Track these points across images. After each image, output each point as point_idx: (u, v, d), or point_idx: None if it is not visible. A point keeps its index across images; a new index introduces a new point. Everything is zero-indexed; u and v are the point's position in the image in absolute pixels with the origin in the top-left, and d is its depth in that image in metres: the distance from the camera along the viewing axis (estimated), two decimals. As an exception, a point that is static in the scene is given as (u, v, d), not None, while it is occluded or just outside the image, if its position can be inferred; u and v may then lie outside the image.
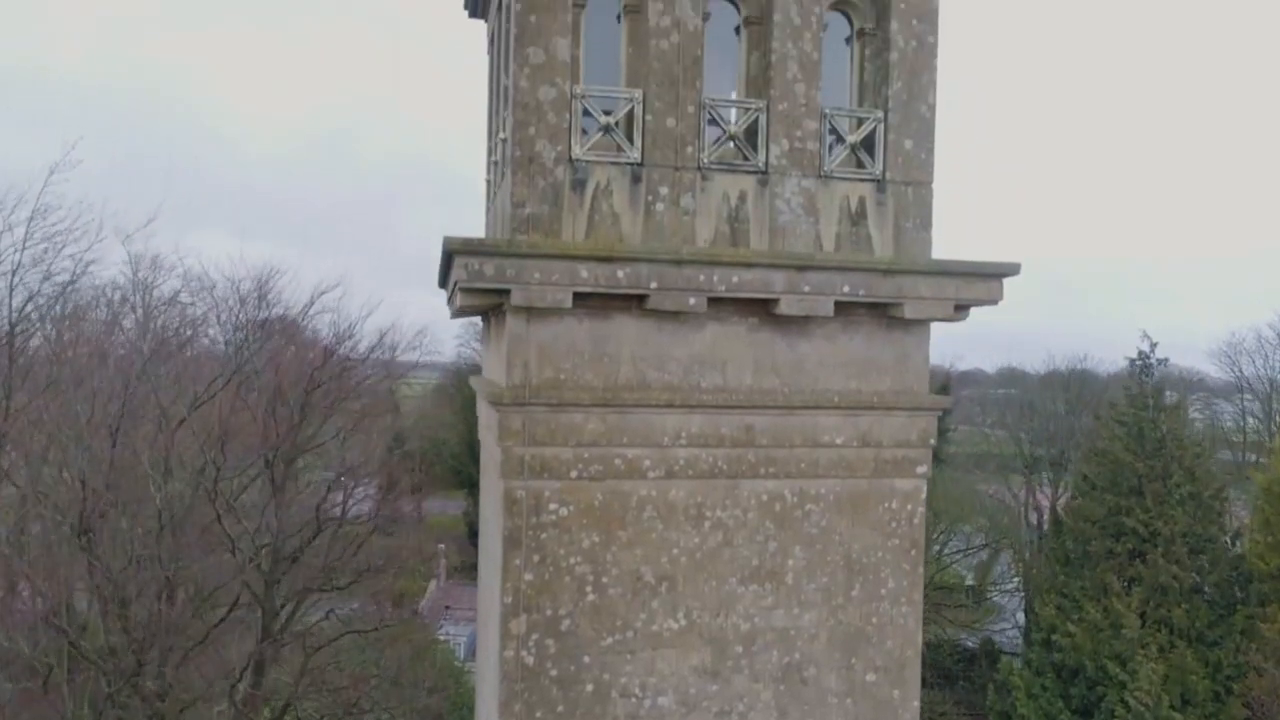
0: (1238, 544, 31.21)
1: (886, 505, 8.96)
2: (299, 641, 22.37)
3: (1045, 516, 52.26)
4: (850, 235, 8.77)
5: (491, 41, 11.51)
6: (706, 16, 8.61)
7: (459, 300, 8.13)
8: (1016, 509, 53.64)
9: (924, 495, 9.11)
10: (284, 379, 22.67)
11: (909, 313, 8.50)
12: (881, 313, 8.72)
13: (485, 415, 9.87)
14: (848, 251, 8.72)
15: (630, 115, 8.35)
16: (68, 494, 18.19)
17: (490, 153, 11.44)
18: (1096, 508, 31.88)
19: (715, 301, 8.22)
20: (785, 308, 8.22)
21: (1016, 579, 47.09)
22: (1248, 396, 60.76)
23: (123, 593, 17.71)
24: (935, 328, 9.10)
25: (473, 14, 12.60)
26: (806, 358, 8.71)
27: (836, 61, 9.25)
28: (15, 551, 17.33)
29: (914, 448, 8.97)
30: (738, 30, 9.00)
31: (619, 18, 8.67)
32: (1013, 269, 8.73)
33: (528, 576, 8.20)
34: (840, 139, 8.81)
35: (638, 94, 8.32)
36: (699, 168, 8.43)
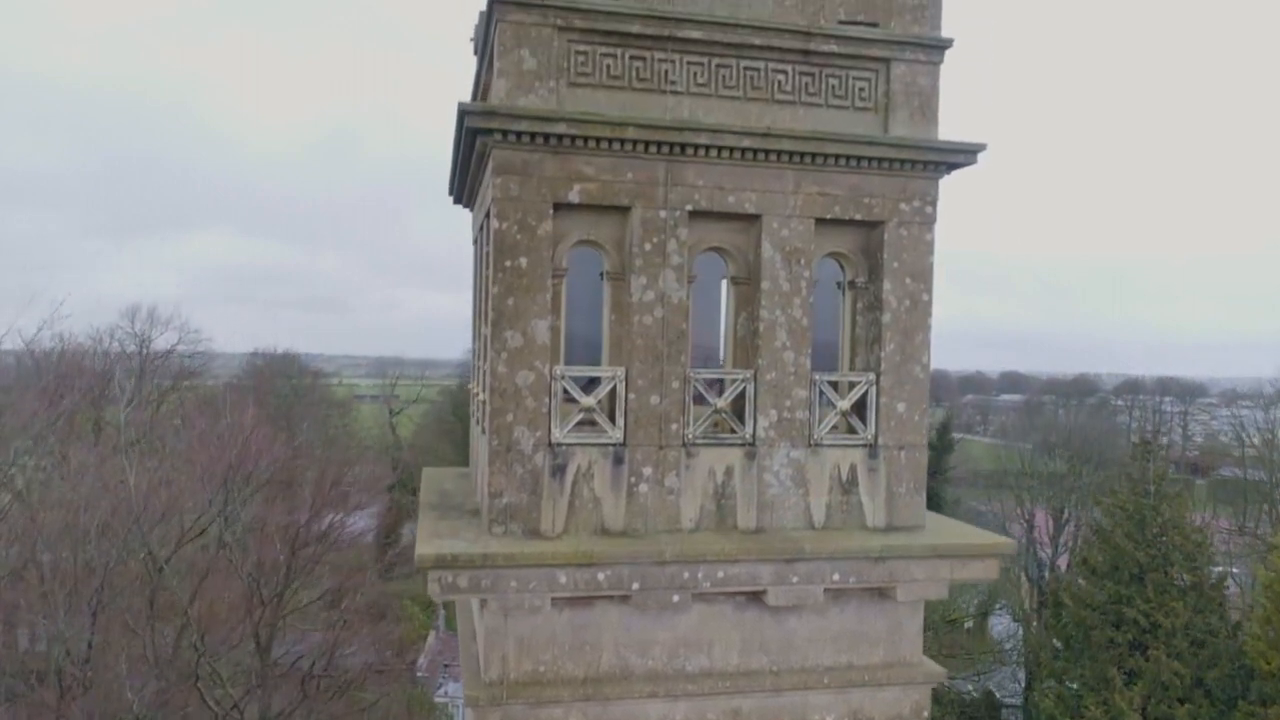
0: (1239, 634, 30.79)
1: (879, 781, 8.63)
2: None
3: (1047, 564, 51.81)
4: (841, 505, 8.47)
5: (475, 241, 11.24)
6: (693, 279, 8.34)
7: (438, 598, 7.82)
8: (1016, 569, 53.09)
9: (918, 766, 8.78)
10: (268, 547, 22.14)
11: (901, 595, 8.21)
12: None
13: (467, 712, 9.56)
14: (838, 522, 8.42)
15: (613, 393, 8.06)
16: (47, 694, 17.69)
17: (475, 355, 11.18)
18: (1097, 593, 31.51)
19: (700, 589, 7.92)
20: (773, 600, 7.92)
21: (1016, 645, 46.52)
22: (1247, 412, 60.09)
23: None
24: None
25: (457, 200, 12.33)
26: (795, 633, 8.39)
27: (827, 302, 8.99)
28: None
29: (907, 721, 8.65)
30: (724, 282, 8.75)
31: (603, 275, 8.40)
32: (1008, 547, 8.47)
33: None
34: (830, 404, 8.53)
35: (620, 372, 8.04)
36: (684, 444, 8.14)
